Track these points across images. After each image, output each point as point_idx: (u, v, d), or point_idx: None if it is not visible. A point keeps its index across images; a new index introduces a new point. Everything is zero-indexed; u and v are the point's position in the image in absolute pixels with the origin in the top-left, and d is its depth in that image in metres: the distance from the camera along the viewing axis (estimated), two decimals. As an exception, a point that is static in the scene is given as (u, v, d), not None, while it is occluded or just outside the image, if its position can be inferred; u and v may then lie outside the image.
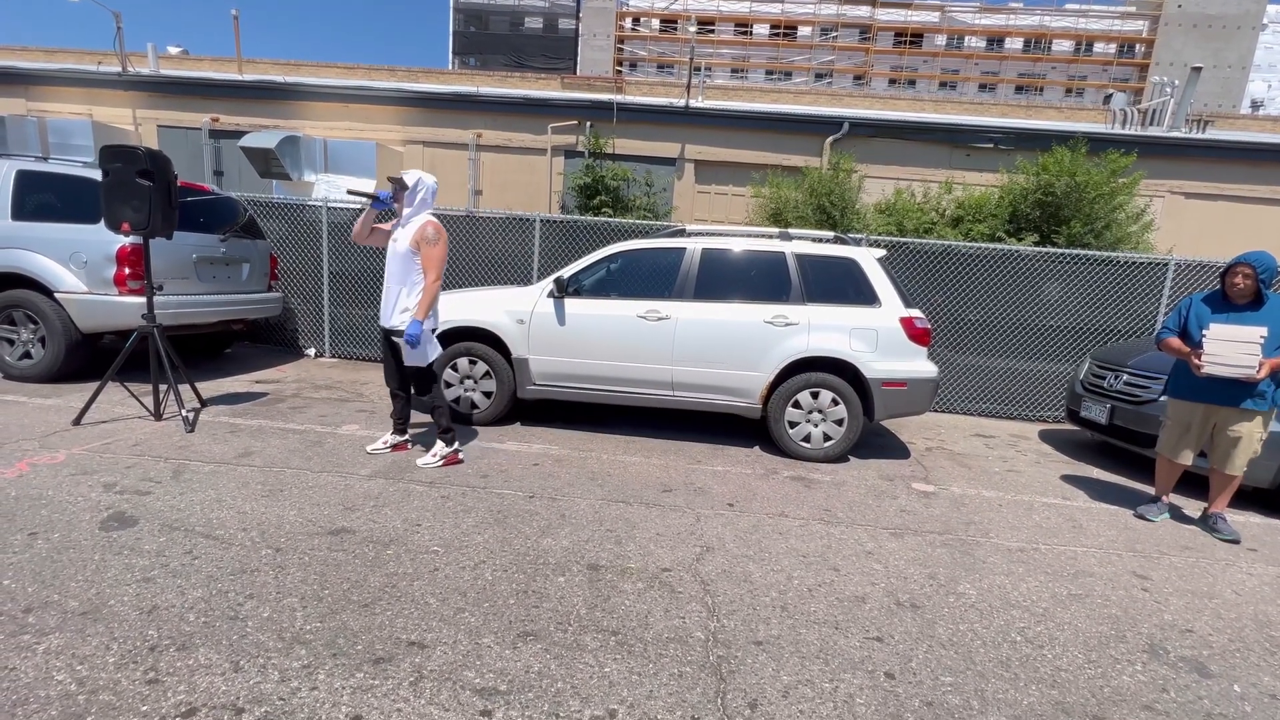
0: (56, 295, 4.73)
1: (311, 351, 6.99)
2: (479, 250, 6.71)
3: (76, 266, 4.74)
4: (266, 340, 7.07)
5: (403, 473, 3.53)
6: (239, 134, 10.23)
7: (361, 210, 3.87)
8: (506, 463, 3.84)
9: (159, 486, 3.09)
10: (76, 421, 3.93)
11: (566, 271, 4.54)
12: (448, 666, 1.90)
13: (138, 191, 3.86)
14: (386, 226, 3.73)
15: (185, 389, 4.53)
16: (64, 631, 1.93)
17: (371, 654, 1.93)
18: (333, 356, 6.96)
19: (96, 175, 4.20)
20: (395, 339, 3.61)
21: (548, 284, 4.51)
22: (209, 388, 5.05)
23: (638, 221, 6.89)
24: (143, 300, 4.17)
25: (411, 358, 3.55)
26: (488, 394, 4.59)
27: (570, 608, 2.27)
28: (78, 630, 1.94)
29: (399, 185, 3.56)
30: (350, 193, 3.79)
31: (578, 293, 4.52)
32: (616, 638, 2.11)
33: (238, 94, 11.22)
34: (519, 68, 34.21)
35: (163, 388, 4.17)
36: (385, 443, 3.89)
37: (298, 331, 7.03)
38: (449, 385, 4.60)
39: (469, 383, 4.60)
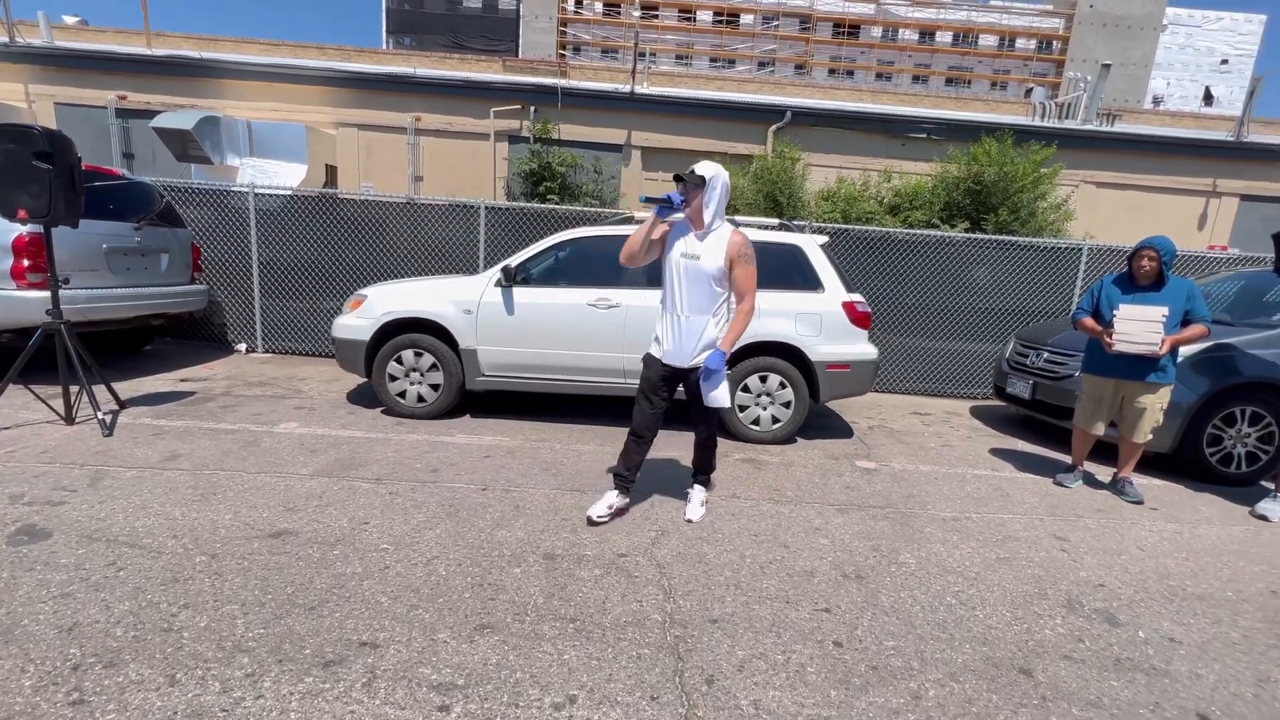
0: (-58, 290, 4.29)
1: (242, 347, 6.60)
2: (421, 239, 6.49)
3: (-35, 258, 4.30)
4: (191, 336, 6.62)
5: (346, 470, 3.40)
6: (151, 113, 9.47)
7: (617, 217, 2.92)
8: (457, 456, 3.77)
9: (74, 495, 2.86)
10: (-27, 429, 3.59)
11: (514, 260, 4.45)
12: (402, 665, 1.86)
13: (35, 175, 3.51)
14: (658, 232, 2.89)
15: (100, 390, 4.19)
16: (-30, 656, 1.77)
17: (321, 657, 1.87)
18: (266, 351, 6.60)
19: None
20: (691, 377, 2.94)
21: (495, 273, 4.42)
22: (128, 388, 4.70)
23: (586, 209, 6.83)
24: (46, 295, 3.84)
25: (715, 398, 2.81)
26: (435, 386, 4.47)
27: (527, 598, 2.27)
28: (-13, 654, 1.79)
29: (694, 182, 2.72)
30: (647, 200, 2.81)
31: (526, 281, 4.45)
32: (575, 625, 2.12)
33: (147, 70, 10.38)
34: (457, 48, 32.98)
35: (74, 389, 3.86)
36: (610, 507, 3.01)
37: (226, 326, 6.62)
38: (393, 379, 4.46)
39: (415, 375, 4.47)
